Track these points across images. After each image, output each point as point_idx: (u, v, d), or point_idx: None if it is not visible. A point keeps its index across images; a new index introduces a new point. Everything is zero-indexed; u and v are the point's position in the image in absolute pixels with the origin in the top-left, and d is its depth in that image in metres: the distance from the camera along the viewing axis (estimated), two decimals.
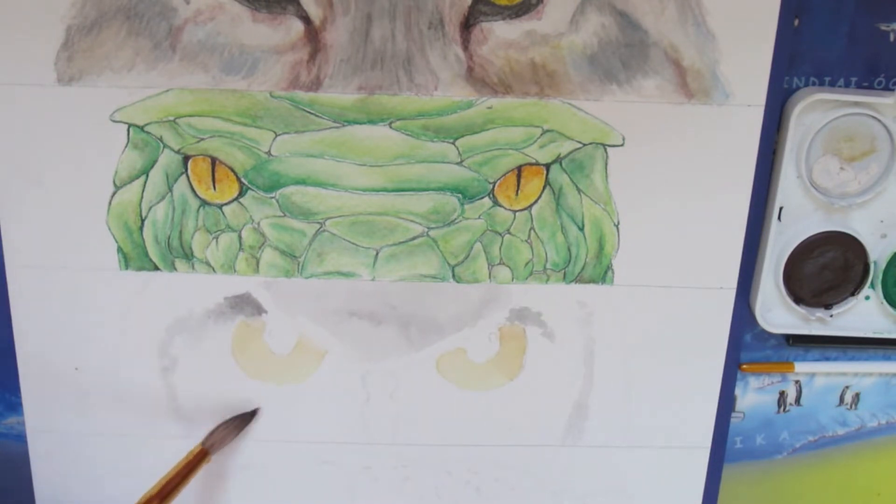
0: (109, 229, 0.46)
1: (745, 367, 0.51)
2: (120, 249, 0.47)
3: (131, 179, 0.46)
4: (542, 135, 0.45)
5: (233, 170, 0.45)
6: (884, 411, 0.53)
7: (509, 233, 0.47)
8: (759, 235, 0.48)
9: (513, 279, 0.48)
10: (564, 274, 0.48)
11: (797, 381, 0.52)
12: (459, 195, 0.46)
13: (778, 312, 0.50)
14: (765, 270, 0.48)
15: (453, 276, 0.48)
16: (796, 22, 0.45)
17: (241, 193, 0.46)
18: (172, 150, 0.45)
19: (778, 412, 0.53)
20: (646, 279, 0.48)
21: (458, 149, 0.45)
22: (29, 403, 0.49)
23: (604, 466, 0.52)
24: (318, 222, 0.46)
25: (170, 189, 0.46)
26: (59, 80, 0.44)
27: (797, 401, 0.53)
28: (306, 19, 0.43)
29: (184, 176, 0.46)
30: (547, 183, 0.46)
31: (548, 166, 0.46)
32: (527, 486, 0.52)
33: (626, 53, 0.44)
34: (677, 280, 0.48)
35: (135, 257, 0.47)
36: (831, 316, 0.49)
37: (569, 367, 0.50)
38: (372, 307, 0.48)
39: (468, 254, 0.47)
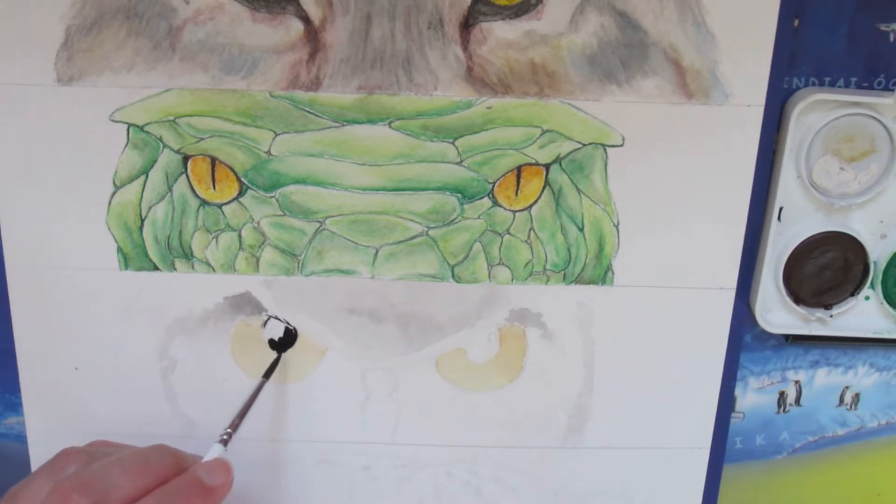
0: (109, 229, 0.46)
1: None
2: (120, 249, 0.47)
3: (131, 179, 0.46)
4: (541, 135, 0.45)
5: (232, 169, 0.45)
6: (884, 411, 0.53)
7: (509, 233, 0.47)
8: (759, 235, 0.48)
9: (512, 280, 0.48)
10: (564, 275, 0.48)
11: (797, 382, 0.52)
12: (459, 195, 0.46)
13: (778, 313, 0.50)
14: (765, 270, 0.48)
15: (453, 275, 0.48)
16: (796, 22, 0.45)
17: (241, 193, 0.46)
18: (172, 149, 0.45)
19: (778, 412, 0.53)
20: (646, 279, 0.48)
21: (457, 149, 0.45)
22: (29, 403, 0.50)
23: (604, 467, 0.52)
24: (318, 221, 0.46)
25: (170, 189, 0.46)
26: (59, 80, 0.44)
27: (797, 401, 0.53)
28: (306, 19, 0.43)
29: (183, 176, 0.46)
30: (547, 183, 0.46)
31: (547, 166, 0.46)
32: (527, 487, 0.52)
33: (625, 53, 0.44)
34: (677, 280, 0.48)
35: (135, 257, 0.47)
36: (831, 316, 0.49)
37: (569, 368, 0.50)
38: (371, 305, 0.48)
39: (468, 254, 0.47)
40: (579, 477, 0.52)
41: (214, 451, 0.42)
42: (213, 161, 0.45)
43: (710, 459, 0.52)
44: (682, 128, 0.45)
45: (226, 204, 0.46)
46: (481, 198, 0.46)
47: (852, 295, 0.49)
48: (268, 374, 0.48)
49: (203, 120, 0.45)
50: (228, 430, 0.43)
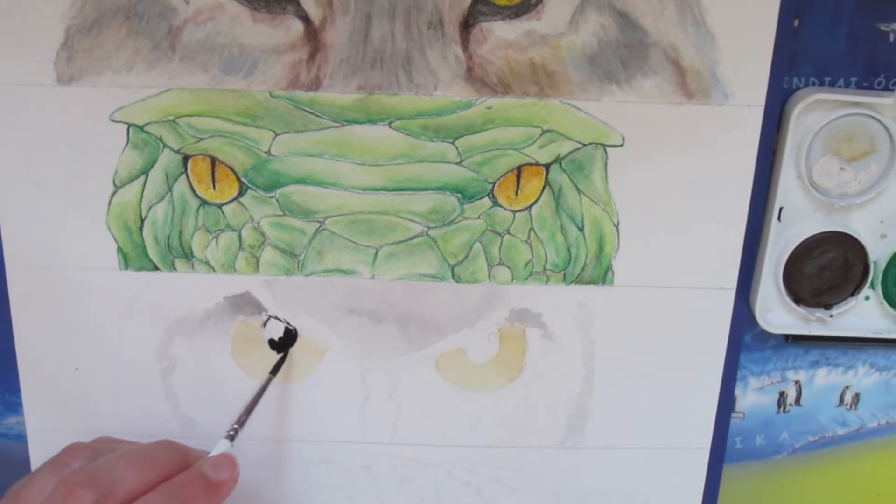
0: (109, 229, 0.46)
1: None
2: (120, 249, 0.47)
3: (131, 179, 0.46)
4: (541, 135, 0.45)
5: (232, 169, 0.45)
6: (884, 411, 0.53)
7: (509, 233, 0.47)
8: (759, 235, 0.48)
9: (512, 280, 0.48)
10: (564, 275, 0.48)
11: (797, 382, 0.52)
12: (459, 195, 0.46)
13: (778, 313, 0.50)
14: (765, 270, 0.48)
15: (453, 275, 0.48)
16: (796, 22, 0.45)
17: (241, 193, 0.46)
18: (172, 149, 0.45)
19: (778, 412, 0.53)
20: (646, 279, 0.48)
21: (457, 149, 0.45)
22: (29, 403, 0.50)
23: (604, 467, 0.52)
24: (318, 221, 0.46)
25: (170, 189, 0.46)
26: (59, 80, 0.44)
27: (797, 401, 0.53)
28: (306, 19, 0.43)
29: (183, 176, 0.46)
30: (547, 183, 0.46)
31: (547, 166, 0.46)
32: (527, 487, 0.52)
33: (625, 53, 0.44)
34: (677, 280, 0.48)
35: (135, 257, 0.47)
36: (831, 316, 0.49)
37: (569, 368, 0.50)
38: (371, 305, 0.48)
39: (468, 254, 0.47)
40: (579, 477, 0.52)
41: (221, 447, 0.42)
42: (213, 161, 0.45)
43: (710, 459, 0.52)
44: (682, 128, 0.45)
45: (226, 204, 0.46)
46: (481, 198, 0.46)
47: (852, 295, 0.49)
48: (275, 370, 0.48)
49: (203, 120, 0.45)
50: (235, 426, 0.43)
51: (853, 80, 0.46)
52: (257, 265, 0.47)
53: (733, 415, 0.53)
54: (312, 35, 0.43)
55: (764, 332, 0.49)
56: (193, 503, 0.39)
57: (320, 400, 0.50)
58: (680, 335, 0.49)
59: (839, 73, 0.46)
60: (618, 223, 0.47)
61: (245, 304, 0.48)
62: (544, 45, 0.44)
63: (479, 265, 0.48)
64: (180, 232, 0.47)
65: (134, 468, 0.38)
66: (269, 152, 0.45)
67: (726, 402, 0.51)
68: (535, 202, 0.47)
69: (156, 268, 0.47)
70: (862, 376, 0.52)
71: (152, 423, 0.50)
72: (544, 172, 0.46)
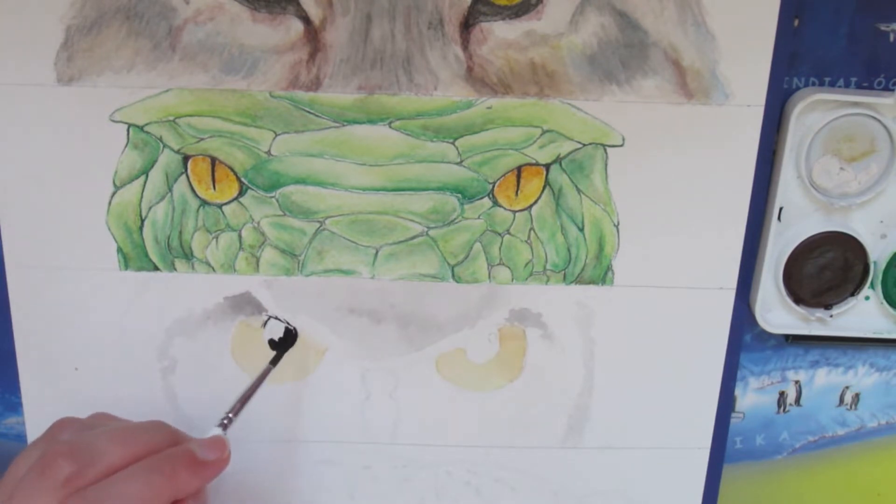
0: (109, 229, 0.46)
1: None
2: (120, 249, 0.47)
3: (131, 179, 0.46)
4: (541, 135, 0.45)
5: (233, 169, 0.45)
6: (884, 411, 0.53)
7: (509, 233, 0.47)
8: (759, 235, 0.48)
9: (512, 280, 0.48)
10: (564, 275, 0.48)
11: (797, 382, 0.52)
12: (459, 195, 0.46)
13: (778, 313, 0.50)
14: (765, 271, 0.48)
15: (453, 275, 0.48)
16: (796, 22, 0.45)
17: (241, 193, 0.46)
18: (172, 150, 0.45)
19: (778, 412, 0.53)
20: (646, 279, 0.48)
21: (457, 149, 0.45)
22: (29, 403, 0.50)
23: (604, 467, 0.52)
24: (318, 221, 0.46)
25: (170, 189, 0.46)
26: (59, 80, 0.44)
27: (797, 401, 0.53)
28: (306, 19, 0.43)
29: (184, 176, 0.46)
30: (547, 183, 0.46)
31: (547, 166, 0.46)
32: (527, 487, 0.52)
33: (625, 53, 0.44)
34: (677, 280, 0.48)
35: (135, 257, 0.47)
36: (831, 316, 0.49)
37: (569, 368, 0.50)
38: (372, 305, 0.48)
39: (468, 254, 0.47)
40: (579, 477, 0.52)
41: (213, 434, 0.42)
42: (213, 161, 0.45)
43: (710, 459, 0.52)
44: (682, 128, 0.45)
45: (226, 204, 0.46)
46: (481, 198, 0.46)
47: (852, 295, 0.49)
48: (275, 360, 0.48)
49: (203, 120, 0.45)
50: (229, 415, 0.43)
51: (853, 80, 0.46)
52: (257, 265, 0.47)
53: (733, 415, 0.53)
54: (312, 35, 0.43)
55: (764, 332, 0.49)
56: (175, 478, 0.38)
57: (320, 400, 0.50)
58: (680, 335, 0.49)
59: (839, 73, 0.46)
60: (618, 223, 0.47)
61: (245, 304, 0.48)
62: (544, 45, 0.44)
63: (479, 265, 0.48)
64: (180, 232, 0.47)
65: (118, 443, 0.38)
66: (269, 152, 0.45)
67: (726, 402, 0.51)
68: (536, 202, 0.47)
69: (156, 268, 0.47)
70: (862, 376, 0.52)
71: None
72: (544, 172, 0.46)
